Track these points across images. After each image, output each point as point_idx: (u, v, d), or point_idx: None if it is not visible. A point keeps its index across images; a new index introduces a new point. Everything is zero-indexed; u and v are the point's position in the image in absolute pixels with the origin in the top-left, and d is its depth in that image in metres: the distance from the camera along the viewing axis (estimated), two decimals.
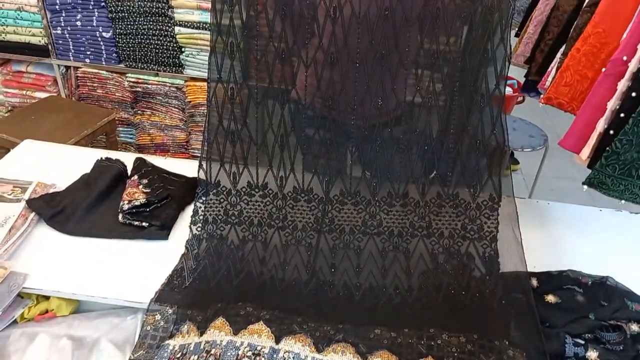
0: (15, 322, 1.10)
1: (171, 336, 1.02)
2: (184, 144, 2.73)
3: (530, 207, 1.53)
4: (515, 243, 1.12)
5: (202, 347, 0.96)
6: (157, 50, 2.50)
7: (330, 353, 0.94)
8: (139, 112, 2.68)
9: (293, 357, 0.92)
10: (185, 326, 1.02)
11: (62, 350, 1.03)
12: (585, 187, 1.12)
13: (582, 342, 1.03)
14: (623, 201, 1.10)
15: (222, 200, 1.23)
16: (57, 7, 2.45)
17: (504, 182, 1.18)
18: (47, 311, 1.11)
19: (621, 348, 1.05)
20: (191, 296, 1.09)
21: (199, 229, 1.23)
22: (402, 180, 1.19)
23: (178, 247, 1.23)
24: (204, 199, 1.25)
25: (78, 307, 1.15)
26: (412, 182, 1.19)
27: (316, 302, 1.09)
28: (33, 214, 1.26)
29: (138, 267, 1.18)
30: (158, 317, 1.06)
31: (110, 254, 1.21)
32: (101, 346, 1.05)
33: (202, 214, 1.24)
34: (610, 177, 1.04)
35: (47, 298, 1.12)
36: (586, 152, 1.06)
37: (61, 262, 1.17)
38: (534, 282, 1.17)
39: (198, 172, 1.24)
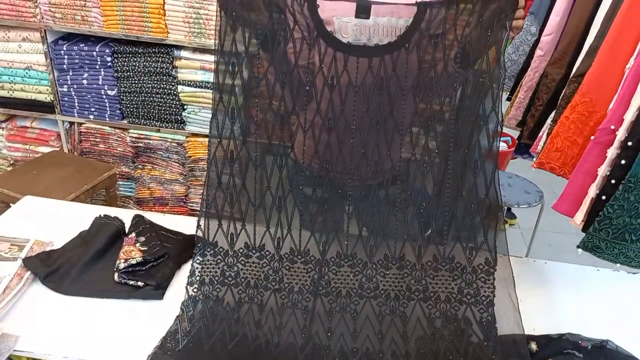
0: None
1: None
2: (183, 197, 2.75)
3: (527, 266, 1.53)
4: (512, 308, 1.12)
5: None
6: (160, 107, 2.57)
7: None
8: (139, 166, 2.72)
9: None
10: None
11: None
12: (580, 250, 1.13)
13: None
14: (618, 265, 1.11)
15: (219, 261, 1.23)
16: (64, 66, 2.53)
17: (500, 240, 1.19)
18: None
19: None
20: (186, 356, 1.07)
21: (195, 290, 1.23)
22: (398, 240, 1.20)
23: (172, 306, 1.22)
24: (200, 259, 1.25)
25: None
26: (408, 241, 1.20)
27: None
28: (29, 272, 1.26)
29: (131, 328, 1.16)
30: None
31: (104, 314, 1.20)
32: None
33: (199, 274, 1.24)
34: (604, 241, 1.05)
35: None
36: (580, 216, 1.08)
37: (54, 323, 1.16)
38: (534, 346, 1.15)
39: (196, 231, 1.25)
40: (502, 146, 3.46)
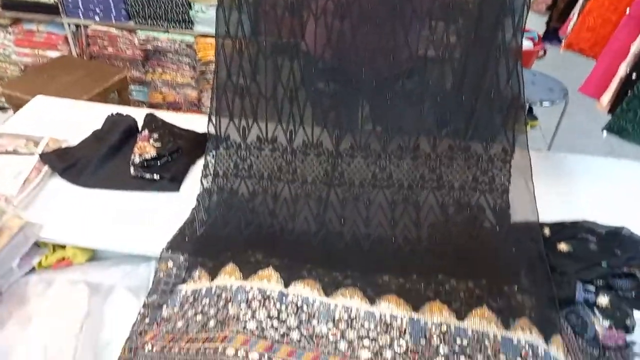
0: (33, 269, 1.13)
1: (183, 282, 1.04)
2: (196, 102, 2.72)
3: (546, 159, 1.50)
4: (527, 194, 1.11)
5: (213, 291, 0.98)
6: (166, 7, 2.46)
7: (338, 297, 0.95)
8: (150, 70, 2.67)
9: (302, 301, 0.94)
10: (197, 272, 1.04)
11: (79, 296, 1.06)
12: (605, 133, 1.09)
13: (593, 288, 1.03)
14: None
15: (232, 154, 1.22)
16: None
17: (520, 137, 1.16)
18: (63, 259, 1.14)
19: (633, 295, 1.04)
20: (202, 245, 1.10)
21: (209, 182, 1.24)
22: (413, 134, 1.17)
23: (189, 199, 1.24)
24: (214, 153, 1.25)
25: (93, 256, 1.17)
26: (423, 135, 1.17)
27: (325, 252, 1.09)
28: (46, 167, 1.28)
29: (150, 218, 1.19)
30: (170, 264, 1.08)
31: (122, 205, 1.23)
32: (116, 291, 1.08)
33: (213, 167, 1.24)
34: (632, 122, 1.01)
35: (63, 247, 1.15)
36: (607, 97, 1.02)
37: (75, 212, 1.19)
38: (547, 231, 1.16)
39: (208, 126, 1.23)
40: (528, 44, 3.29)
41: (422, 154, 1.17)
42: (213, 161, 1.25)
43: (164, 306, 1.00)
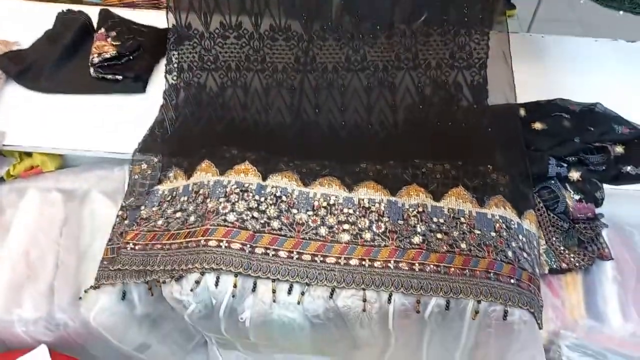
0: (2, 179, 1.09)
1: (159, 182, 1.02)
2: (155, 1, 2.53)
3: (523, 40, 1.46)
4: (505, 69, 1.08)
5: (190, 188, 0.97)
6: None
7: (316, 186, 0.95)
8: None
9: (280, 192, 0.94)
10: (172, 172, 1.02)
11: (54, 203, 1.05)
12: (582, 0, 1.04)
13: (565, 164, 1.05)
14: (621, 12, 1.03)
15: (195, 44, 1.15)
16: None
17: (498, 26, 1.11)
18: (32, 167, 1.10)
19: (603, 168, 1.07)
20: (175, 144, 1.07)
21: (174, 78, 1.17)
22: (387, 12, 1.10)
23: (156, 99, 1.18)
24: (175, 45, 1.17)
25: (63, 163, 1.14)
26: (399, 13, 1.11)
27: (301, 143, 1.08)
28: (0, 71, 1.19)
29: (118, 121, 1.15)
30: (144, 165, 1.06)
31: (87, 108, 1.17)
32: (92, 196, 1.06)
33: (177, 61, 1.17)
34: None
35: (29, 155, 1.11)
36: None
37: (38, 118, 1.14)
38: (522, 111, 1.15)
39: (167, 15, 1.14)
40: None
41: (397, 32, 1.10)
42: (177, 54, 1.17)
43: (142, 207, 0.99)
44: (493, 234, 0.89)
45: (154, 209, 0.98)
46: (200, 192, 0.95)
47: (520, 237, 0.91)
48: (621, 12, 1.04)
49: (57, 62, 1.24)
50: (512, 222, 0.92)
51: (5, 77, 1.20)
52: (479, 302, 0.82)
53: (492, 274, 0.84)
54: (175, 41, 1.15)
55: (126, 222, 0.99)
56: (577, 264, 1.00)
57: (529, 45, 1.44)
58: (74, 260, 0.98)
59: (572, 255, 1.01)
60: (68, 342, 0.94)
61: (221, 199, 0.91)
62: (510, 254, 0.87)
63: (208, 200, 0.92)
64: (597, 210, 1.06)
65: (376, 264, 0.85)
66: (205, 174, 0.97)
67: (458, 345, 0.89)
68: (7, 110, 1.15)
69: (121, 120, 1.14)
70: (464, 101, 1.08)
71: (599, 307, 0.99)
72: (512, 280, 0.84)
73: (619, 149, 1.10)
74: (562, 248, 1.02)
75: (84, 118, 1.15)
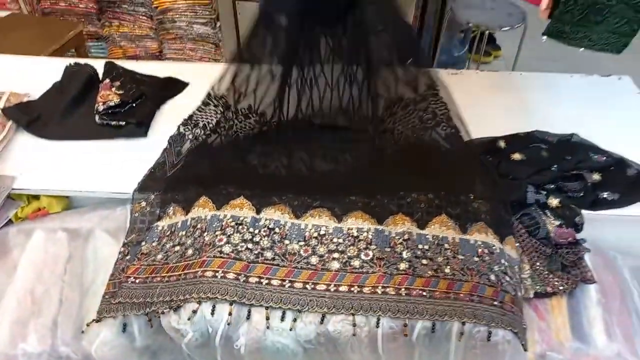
0: (10, 222, 1.15)
1: (159, 219, 1.08)
2: (157, 53, 2.67)
3: (502, 78, 1.56)
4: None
5: (188, 223, 1.02)
6: None
7: (308, 218, 1.01)
8: (106, 23, 2.59)
9: (273, 224, 0.99)
10: (171, 208, 1.08)
11: (59, 241, 1.10)
12: (545, 37, 1.13)
13: (544, 191, 1.10)
14: (582, 49, 1.11)
15: (218, 112, 1.24)
16: None
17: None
18: (39, 209, 1.16)
19: (581, 195, 1.13)
20: (174, 183, 1.14)
21: (186, 129, 1.25)
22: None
23: (156, 144, 1.25)
24: (203, 107, 1.27)
25: (68, 205, 1.20)
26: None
27: (295, 183, 1.13)
28: (10, 122, 1.27)
29: (120, 164, 1.21)
30: (144, 204, 1.12)
31: (92, 153, 1.24)
32: (96, 235, 1.11)
33: (195, 117, 1.27)
34: (569, 24, 1.04)
35: (37, 198, 1.17)
36: (545, 1, 1.05)
37: (45, 164, 1.21)
38: (502, 143, 1.22)
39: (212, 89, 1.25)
40: None
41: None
42: (198, 112, 1.27)
43: (143, 242, 1.04)
44: (476, 258, 0.94)
45: (153, 244, 1.03)
46: (198, 226, 1.00)
47: (503, 261, 0.95)
48: (581, 50, 1.12)
49: (65, 111, 1.33)
50: (494, 247, 0.96)
51: (16, 126, 1.28)
52: (463, 323, 0.85)
53: (475, 297, 0.88)
54: (205, 102, 1.25)
55: (127, 257, 1.04)
56: (561, 287, 1.04)
57: (509, 82, 1.52)
58: (77, 295, 1.02)
59: (556, 279, 1.05)
60: None
61: (217, 232, 0.97)
62: (493, 277, 0.91)
63: (205, 233, 0.98)
64: (579, 236, 1.11)
65: (365, 289, 0.89)
66: (203, 209, 1.03)
67: None
68: (17, 157, 1.22)
69: (124, 163, 1.21)
70: (443, 148, 1.15)
71: (584, 329, 1.01)
72: (495, 302, 0.87)
73: (596, 177, 1.16)
74: (546, 272, 1.06)
75: (88, 162, 1.22)
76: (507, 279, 0.93)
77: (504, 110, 1.37)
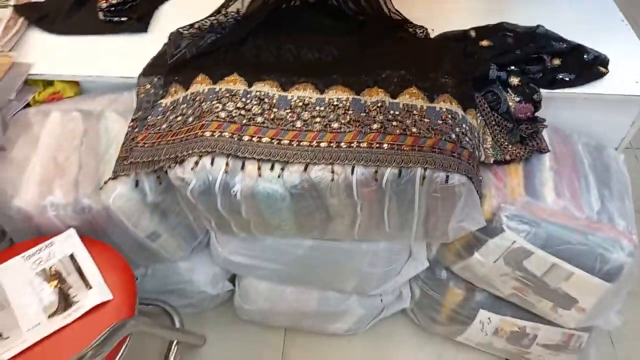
0: (29, 105, 1.28)
1: (162, 97, 1.21)
2: None
3: None
4: None
5: (188, 97, 1.16)
6: None
7: (294, 91, 1.14)
8: None
9: (263, 95, 1.12)
10: (173, 88, 1.21)
11: (74, 119, 1.24)
12: None
13: (506, 71, 1.22)
14: None
15: (213, 18, 1.37)
16: None
17: None
18: (54, 94, 1.29)
19: (541, 75, 1.25)
20: (174, 67, 1.26)
21: (184, 29, 1.36)
22: None
23: (156, 39, 1.36)
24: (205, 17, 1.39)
25: (80, 91, 1.33)
26: None
27: (284, 63, 1.26)
28: (22, 18, 1.38)
29: (125, 54, 1.33)
30: (148, 86, 1.25)
31: (98, 45, 1.36)
32: (106, 115, 1.25)
33: (192, 23, 1.37)
34: None
35: (51, 84, 1.30)
36: None
37: (56, 54, 1.33)
38: (472, 33, 1.34)
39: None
40: None
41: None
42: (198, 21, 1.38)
43: (149, 117, 1.18)
44: (440, 122, 1.07)
45: (159, 117, 1.17)
46: (197, 98, 1.13)
47: (464, 125, 1.09)
48: None
49: (70, 9, 1.43)
50: (457, 114, 1.10)
51: (26, 23, 1.39)
52: (425, 169, 0.99)
53: (436, 150, 1.01)
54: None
55: (136, 130, 1.18)
56: (518, 155, 1.18)
57: None
58: (94, 162, 1.17)
59: (514, 148, 1.19)
60: (92, 225, 1.13)
61: (214, 101, 1.10)
62: (453, 136, 1.05)
63: (203, 103, 1.11)
64: (539, 115, 1.24)
65: (342, 144, 1.03)
66: (201, 85, 1.15)
67: (413, 214, 1.07)
68: (30, 49, 1.34)
69: (128, 54, 1.33)
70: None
71: (536, 187, 1.17)
72: (453, 154, 1.02)
73: (556, 62, 1.28)
74: (506, 143, 1.20)
75: (95, 53, 1.33)
76: (467, 139, 1.06)
77: (476, 4, 1.47)
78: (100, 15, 1.40)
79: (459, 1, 1.51)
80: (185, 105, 1.15)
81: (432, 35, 1.35)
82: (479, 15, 1.42)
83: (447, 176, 0.99)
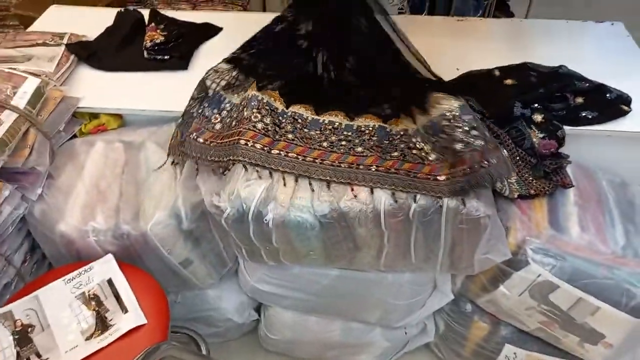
0: (75, 136, 1.37)
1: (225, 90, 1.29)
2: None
3: (506, 24, 1.71)
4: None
5: (240, 103, 1.22)
6: None
7: (326, 115, 1.20)
8: None
9: (297, 116, 1.18)
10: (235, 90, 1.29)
11: (117, 150, 1.31)
12: None
13: (530, 109, 1.27)
14: None
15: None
16: None
17: None
18: (99, 126, 1.38)
19: (564, 113, 1.29)
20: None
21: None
22: None
23: (196, 77, 1.43)
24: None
25: (123, 123, 1.42)
26: None
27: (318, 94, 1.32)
28: (73, 55, 1.49)
29: (166, 90, 1.42)
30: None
31: (142, 81, 1.45)
32: (146, 146, 1.32)
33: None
34: None
35: (96, 117, 1.39)
36: None
37: (103, 89, 1.42)
38: (497, 72, 1.39)
39: None
40: None
41: None
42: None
43: (206, 105, 1.25)
44: (444, 135, 1.10)
45: (214, 111, 1.23)
46: (242, 102, 1.20)
47: (465, 119, 1.12)
48: None
49: (117, 48, 1.54)
50: (453, 110, 1.13)
51: (77, 60, 1.50)
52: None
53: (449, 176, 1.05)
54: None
55: (192, 111, 1.26)
56: (542, 189, 1.21)
57: (510, 27, 1.68)
58: (134, 189, 1.23)
59: (538, 183, 1.22)
60: (129, 251, 1.19)
61: (254, 110, 1.16)
62: (461, 145, 1.07)
63: (245, 108, 1.17)
64: (562, 152, 1.27)
65: (361, 167, 1.08)
66: (250, 91, 1.21)
67: (439, 245, 1.10)
68: (79, 84, 1.44)
69: (169, 90, 1.42)
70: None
71: (560, 222, 1.19)
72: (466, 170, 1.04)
73: (579, 100, 1.32)
74: (530, 178, 1.23)
75: (139, 88, 1.42)
76: (474, 132, 1.09)
77: (500, 52, 1.53)
78: (145, 54, 1.50)
79: (484, 42, 1.57)
80: (235, 109, 1.21)
81: (457, 73, 1.40)
82: (503, 55, 1.48)
83: (463, 200, 1.02)
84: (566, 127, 1.26)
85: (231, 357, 1.57)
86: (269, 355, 1.57)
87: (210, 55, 1.55)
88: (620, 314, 1.11)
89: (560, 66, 1.40)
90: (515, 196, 1.20)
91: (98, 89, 1.42)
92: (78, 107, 1.36)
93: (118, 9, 1.67)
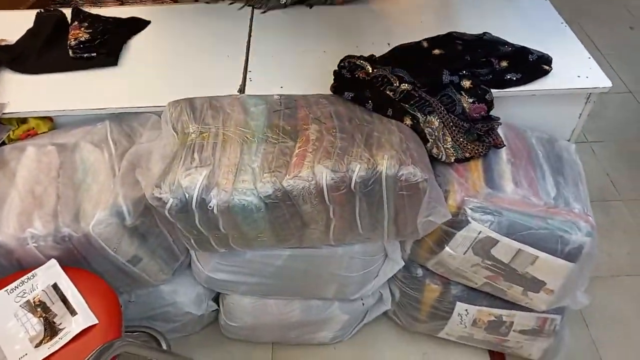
0: (4, 143, 1.31)
1: None
2: None
3: None
4: None
5: None
6: None
7: None
8: None
9: None
10: None
11: (50, 153, 1.27)
12: None
13: (458, 76, 1.31)
14: None
15: None
16: None
17: None
18: (28, 131, 1.33)
19: (490, 77, 1.34)
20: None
21: None
22: None
23: (128, 72, 1.42)
24: None
25: (54, 126, 1.37)
26: None
27: None
28: None
29: (96, 88, 1.38)
30: None
31: (69, 81, 1.40)
32: (81, 146, 1.29)
33: None
34: None
35: (25, 121, 1.33)
36: None
37: (29, 92, 1.36)
38: (425, 43, 1.43)
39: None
40: None
41: None
42: None
43: None
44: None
45: None
46: None
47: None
48: None
49: (40, 50, 1.48)
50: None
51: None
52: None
53: None
54: None
55: None
56: (477, 152, 1.26)
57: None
58: (72, 192, 1.20)
59: (472, 146, 1.27)
60: (73, 254, 1.15)
61: None
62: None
63: None
64: (494, 114, 1.33)
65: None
66: None
67: (383, 213, 1.13)
68: (3, 89, 1.37)
69: (98, 87, 1.38)
70: None
71: (495, 180, 1.24)
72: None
73: (504, 64, 1.38)
74: (465, 142, 1.28)
75: (67, 88, 1.38)
76: None
77: (432, 23, 1.57)
78: (71, 53, 1.45)
79: (413, 15, 1.61)
80: None
81: (388, 48, 1.43)
82: (431, 28, 1.52)
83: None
84: (493, 90, 1.31)
85: (194, 350, 1.56)
86: (232, 344, 1.58)
87: (141, 49, 1.52)
88: (557, 260, 1.18)
89: (484, 33, 1.45)
90: (452, 160, 1.25)
91: (24, 93, 1.37)
92: (4, 113, 1.30)
93: (37, 11, 1.60)
